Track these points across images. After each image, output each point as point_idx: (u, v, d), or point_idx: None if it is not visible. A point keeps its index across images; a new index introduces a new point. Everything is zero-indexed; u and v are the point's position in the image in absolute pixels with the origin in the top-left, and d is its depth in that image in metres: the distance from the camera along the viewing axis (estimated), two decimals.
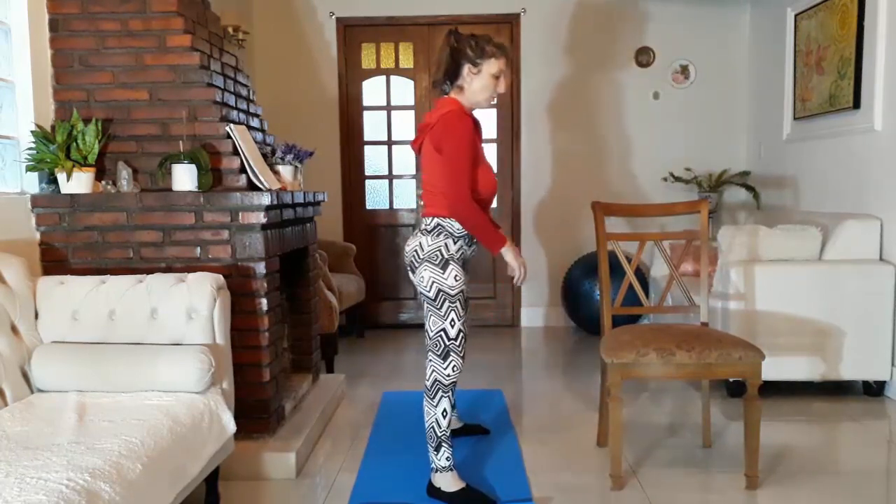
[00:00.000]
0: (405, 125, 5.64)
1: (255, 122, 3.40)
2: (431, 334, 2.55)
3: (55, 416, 2.07)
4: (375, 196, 5.73)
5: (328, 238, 5.44)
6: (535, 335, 5.38)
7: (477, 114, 2.69)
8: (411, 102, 5.63)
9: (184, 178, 2.78)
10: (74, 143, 2.79)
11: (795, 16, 4.67)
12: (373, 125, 5.68)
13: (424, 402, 2.58)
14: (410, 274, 2.59)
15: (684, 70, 5.49)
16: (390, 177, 5.71)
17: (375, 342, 5.23)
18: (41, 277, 2.58)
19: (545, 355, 4.79)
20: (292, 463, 2.77)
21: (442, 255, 2.50)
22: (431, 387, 2.55)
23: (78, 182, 2.78)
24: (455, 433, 3.11)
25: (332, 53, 5.54)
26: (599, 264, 2.91)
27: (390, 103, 5.64)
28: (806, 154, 4.61)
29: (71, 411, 2.09)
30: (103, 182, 2.87)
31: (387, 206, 5.72)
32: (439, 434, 2.54)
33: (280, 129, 5.16)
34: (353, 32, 5.56)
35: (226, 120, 2.98)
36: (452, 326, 2.52)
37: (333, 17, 5.50)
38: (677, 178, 5.42)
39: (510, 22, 5.50)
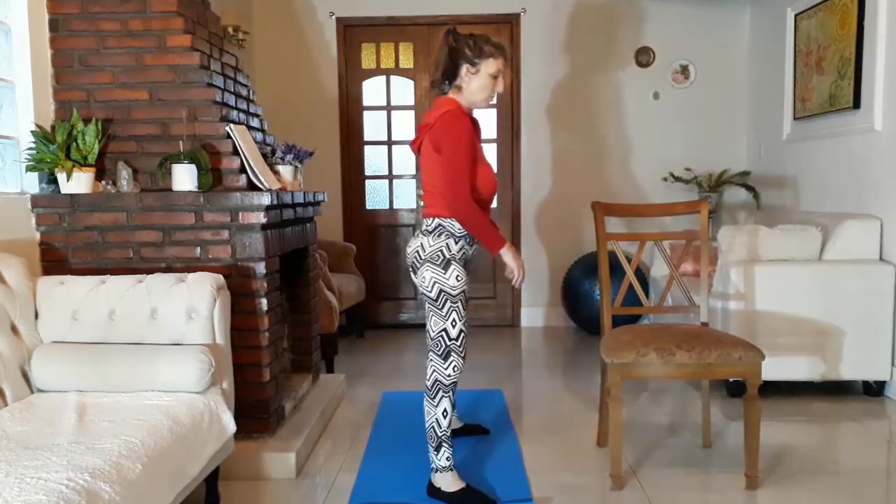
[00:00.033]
0: (405, 125, 5.64)
1: (255, 122, 3.40)
2: (433, 334, 2.55)
3: (55, 416, 2.07)
4: (375, 196, 5.73)
5: (328, 238, 5.44)
6: (535, 335, 5.38)
7: (476, 113, 2.69)
8: (411, 102, 5.63)
9: (184, 178, 2.78)
10: (74, 143, 2.79)
11: (795, 16, 4.67)
12: (373, 125, 5.68)
13: (425, 402, 2.58)
14: (412, 275, 2.59)
15: (684, 70, 5.49)
16: (390, 177, 5.71)
17: (375, 342, 5.23)
18: (41, 277, 2.58)
19: (545, 355, 4.79)
20: (292, 463, 2.77)
21: (443, 255, 2.50)
22: (432, 387, 2.56)
23: (78, 182, 2.78)
24: (455, 433, 3.11)
25: (332, 53, 5.54)
26: (599, 264, 2.91)
27: (390, 103, 5.65)
28: (806, 154, 4.61)
29: (71, 411, 2.09)
30: (103, 182, 2.87)
31: (387, 206, 5.72)
32: (439, 434, 2.54)
33: (280, 129, 5.16)
34: (353, 32, 5.56)
35: (226, 120, 2.98)
36: (454, 326, 2.52)
37: (333, 17, 5.50)
38: (677, 178, 5.42)
39: (510, 22, 5.50)
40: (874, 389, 3.67)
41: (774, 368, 3.50)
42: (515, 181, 5.60)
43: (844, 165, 4.12)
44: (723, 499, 2.55)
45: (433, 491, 2.56)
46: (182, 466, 2.05)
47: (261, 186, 2.89)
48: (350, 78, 5.60)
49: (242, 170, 2.92)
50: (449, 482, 2.54)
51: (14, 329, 2.37)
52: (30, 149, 2.78)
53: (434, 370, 2.55)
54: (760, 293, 3.53)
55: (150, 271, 2.74)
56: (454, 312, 2.51)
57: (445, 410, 2.55)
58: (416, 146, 2.67)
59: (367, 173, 5.70)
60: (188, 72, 2.94)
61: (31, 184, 2.87)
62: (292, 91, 5.54)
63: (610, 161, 5.58)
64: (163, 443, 1.97)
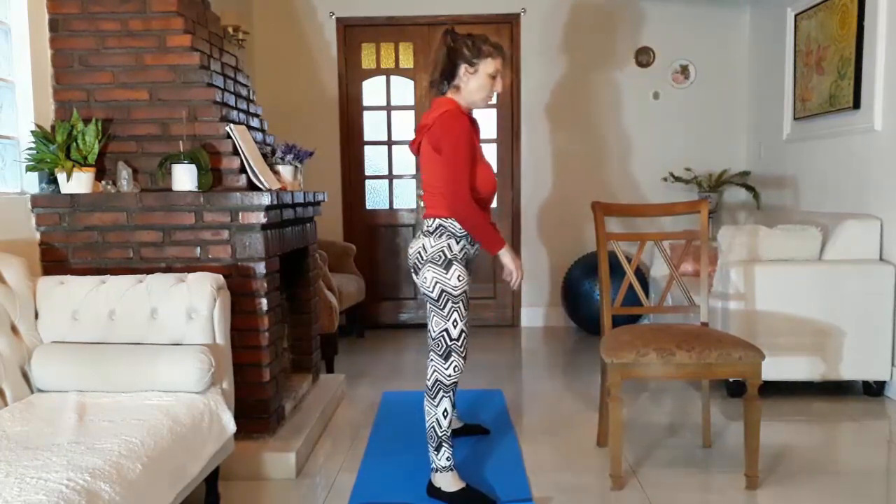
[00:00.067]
0: (405, 125, 5.64)
1: (255, 122, 3.40)
2: (434, 334, 2.55)
3: (55, 416, 2.07)
4: (375, 196, 5.73)
5: (328, 238, 5.44)
6: (535, 335, 5.38)
7: (476, 113, 2.68)
8: (411, 102, 5.63)
9: (184, 178, 2.78)
10: (74, 143, 2.79)
11: (795, 16, 4.67)
12: (373, 125, 5.68)
13: (425, 402, 2.58)
14: (414, 276, 2.59)
15: (684, 70, 5.49)
16: (390, 177, 5.71)
17: (375, 342, 5.23)
18: (41, 277, 2.58)
19: (545, 355, 4.79)
20: (292, 463, 2.77)
21: (445, 255, 2.50)
22: (433, 387, 2.56)
23: (78, 182, 2.78)
24: (455, 433, 3.11)
25: (332, 53, 5.54)
26: (599, 264, 2.91)
27: (390, 103, 5.65)
28: (806, 154, 4.61)
29: (71, 411, 2.09)
30: (103, 182, 2.87)
31: (387, 206, 5.72)
32: (440, 434, 2.54)
33: (280, 129, 5.16)
34: (353, 32, 5.56)
35: (226, 120, 2.98)
36: (455, 327, 2.52)
37: (333, 17, 5.50)
38: (677, 178, 5.42)
39: (510, 22, 5.50)
40: (874, 389, 3.67)
41: (774, 368, 3.50)
42: (515, 181, 5.60)
43: (844, 165, 4.12)
44: (723, 499, 2.55)
45: (433, 491, 2.56)
46: (182, 466, 2.05)
47: (261, 186, 2.89)
48: (350, 78, 5.60)
49: (242, 170, 2.92)
50: (449, 482, 2.54)
51: (14, 329, 2.37)
52: (30, 149, 2.78)
53: (435, 370, 2.55)
54: (760, 293, 3.53)
55: (150, 271, 2.74)
56: (455, 313, 2.51)
57: (446, 410, 2.55)
58: (414, 147, 2.67)
59: (367, 173, 5.70)
60: (188, 72, 2.94)
61: (31, 184, 2.87)
62: (292, 91, 5.54)
63: (610, 161, 5.58)
64: (163, 443, 1.97)
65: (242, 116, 3.24)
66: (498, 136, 5.63)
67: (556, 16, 5.46)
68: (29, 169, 2.79)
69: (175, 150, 2.88)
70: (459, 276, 2.50)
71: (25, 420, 2.03)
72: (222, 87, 3.08)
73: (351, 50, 5.58)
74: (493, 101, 2.68)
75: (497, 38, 5.29)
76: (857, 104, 3.94)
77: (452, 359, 2.54)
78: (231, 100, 3.15)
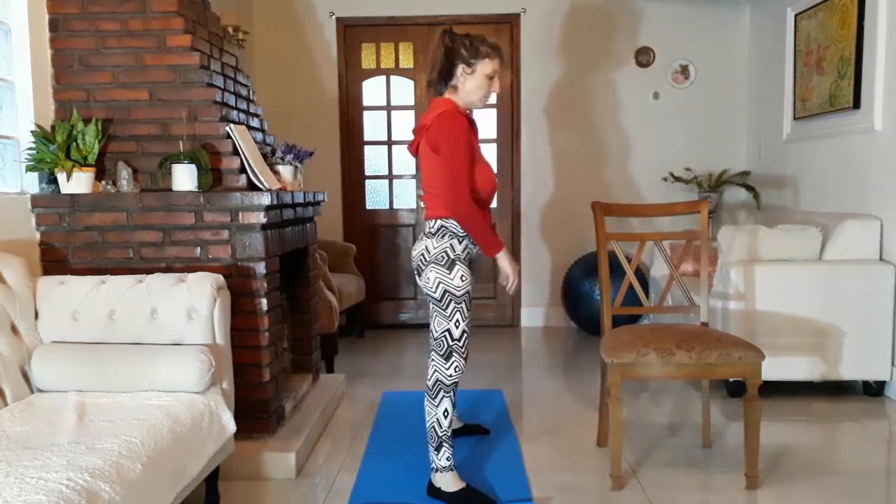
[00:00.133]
0: (405, 125, 5.64)
1: (255, 122, 3.40)
2: (436, 334, 2.55)
3: (55, 416, 2.07)
4: (375, 196, 5.73)
5: (328, 238, 5.44)
6: (535, 335, 5.38)
7: (476, 113, 2.68)
8: (411, 102, 5.63)
9: (184, 178, 2.78)
10: (74, 143, 2.79)
11: (795, 16, 4.67)
12: (373, 125, 5.68)
13: (426, 402, 2.58)
14: (417, 278, 2.59)
15: (684, 70, 5.49)
16: (390, 177, 5.71)
17: (375, 342, 5.23)
18: (41, 277, 2.58)
19: (545, 355, 4.79)
20: (292, 463, 2.77)
21: (448, 255, 2.50)
22: (433, 387, 2.56)
23: (78, 182, 2.78)
24: (455, 433, 3.11)
25: (332, 53, 5.54)
26: (599, 264, 2.91)
27: (390, 103, 5.65)
28: (806, 154, 4.61)
29: (71, 411, 2.09)
30: (103, 182, 2.87)
31: (387, 206, 5.72)
32: (440, 434, 2.54)
33: (280, 129, 5.16)
34: (353, 32, 5.56)
35: (226, 120, 2.98)
36: (457, 327, 2.52)
37: (333, 17, 5.50)
38: (677, 179, 5.42)
39: (510, 22, 5.50)
40: (874, 389, 3.67)
41: (774, 368, 3.50)
42: (515, 181, 5.60)
43: (844, 165, 4.12)
44: (723, 499, 2.55)
45: (433, 491, 2.56)
46: (182, 466, 2.05)
47: (261, 186, 2.89)
48: (350, 78, 5.60)
49: (242, 170, 2.92)
50: (449, 482, 2.54)
51: (14, 329, 2.37)
52: (30, 149, 2.78)
53: (435, 370, 2.55)
54: (760, 293, 3.53)
55: (150, 271, 2.74)
56: (458, 313, 2.51)
57: (446, 410, 2.55)
58: (413, 148, 2.67)
59: (367, 173, 5.70)
60: (188, 72, 2.94)
61: (31, 184, 2.87)
62: (292, 91, 5.54)
63: (610, 161, 5.58)
64: (163, 443, 1.97)
65: (242, 116, 3.24)
66: (498, 136, 5.63)
67: (556, 16, 5.46)
68: (29, 169, 2.79)
69: (175, 150, 2.88)
70: (462, 276, 2.50)
71: (25, 420, 2.03)
72: (222, 87, 3.08)
73: (351, 50, 5.58)
74: (493, 101, 2.68)
75: (497, 38, 5.30)
76: (857, 104, 3.94)
77: (453, 359, 2.54)
78: (231, 100, 3.15)
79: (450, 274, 2.49)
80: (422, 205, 4.93)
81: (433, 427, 2.55)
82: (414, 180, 5.67)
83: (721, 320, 3.60)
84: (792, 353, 3.55)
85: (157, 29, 2.93)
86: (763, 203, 5.18)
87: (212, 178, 2.86)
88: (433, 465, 2.58)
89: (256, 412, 2.84)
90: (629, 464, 2.86)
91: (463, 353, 2.56)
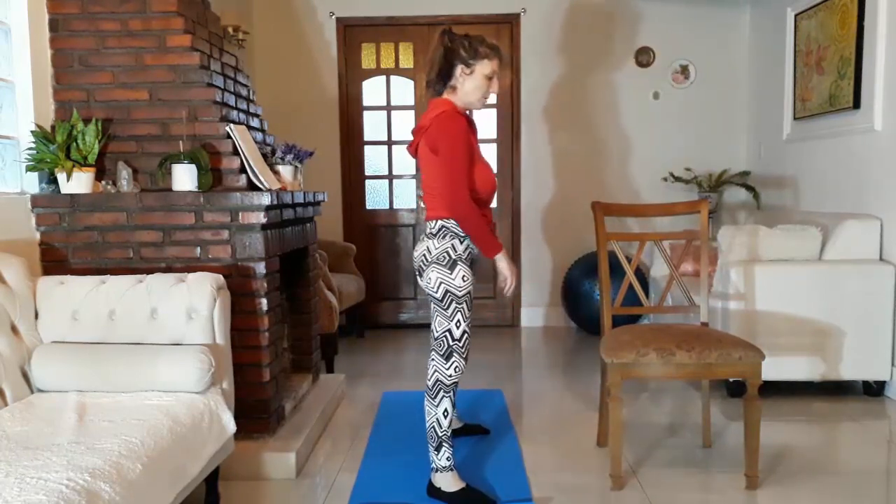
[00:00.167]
0: (405, 125, 5.63)
1: (255, 122, 3.40)
2: (436, 334, 2.55)
3: (55, 416, 2.07)
4: (375, 196, 5.73)
5: (328, 238, 5.44)
6: (535, 335, 5.38)
7: (476, 113, 2.68)
8: (411, 102, 5.63)
9: (184, 178, 2.78)
10: (74, 143, 2.79)
11: (795, 16, 4.67)
12: (373, 125, 5.68)
13: (426, 402, 2.58)
14: (419, 278, 2.59)
15: (684, 70, 5.49)
16: (390, 177, 5.71)
17: (375, 342, 5.23)
18: (41, 277, 2.58)
19: (545, 355, 4.79)
20: (292, 463, 2.77)
21: (449, 256, 2.50)
22: (433, 387, 2.56)
23: (78, 182, 2.78)
24: (455, 433, 3.11)
25: (332, 53, 5.54)
26: (599, 264, 2.91)
27: (390, 103, 5.65)
28: (806, 154, 4.61)
29: (71, 411, 2.09)
30: (103, 182, 2.87)
31: (387, 206, 5.72)
32: (440, 434, 2.54)
33: (280, 129, 5.16)
34: (353, 32, 5.56)
35: (226, 120, 2.98)
36: (458, 327, 2.52)
37: (333, 17, 5.50)
38: (677, 179, 5.42)
39: (510, 22, 5.50)
40: (874, 389, 3.67)
41: (774, 368, 3.50)
42: (515, 181, 5.60)
43: (844, 165, 4.12)
44: (723, 499, 2.55)
45: (433, 491, 2.56)
46: (182, 466, 2.05)
47: (261, 186, 2.89)
48: (350, 78, 5.60)
49: (242, 170, 2.92)
50: (449, 482, 2.54)
51: (14, 329, 2.37)
52: (30, 149, 2.78)
53: (436, 370, 2.55)
54: (760, 293, 3.53)
55: (150, 271, 2.74)
56: (459, 313, 2.51)
57: (446, 410, 2.55)
58: (412, 149, 2.66)
59: (367, 173, 5.70)
60: (188, 72, 2.94)
61: (31, 184, 2.87)
62: (292, 91, 5.54)
63: (610, 161, 5.58)
64: (163, 443, 1.97)
65: (242, 116, 3.24)
66: (498, 136, 5.62)
67: (556, 16, 5.46)
68: (29, 169, 2.79)
69: (175, 150, 2.88)
70: (464, 276, 2.50)
71: (25, 420, 2.03)
72: (222, 87, 3.08)
73: (351, 50, 5.58)
74: (493, 101, 2.68)
75: (497, 38, 5.30)
76: (857, 104, 3.94)
77: (453, 359, 2.54)
78: (231, 100, 3.15)
79: (451, 274, 2.49)
80: (422, 205, 4.91)
81: (433, 427, 2.55)
82: (414, 180, 5.67)
83: (721, 320, 3.60)
84: (792, 353, 3.55)
85: (157, 29, 2.93)
86: (763, 203, 5.18)
87: (212, 178, 2.86)
88: (433, 465, 2.58)
89: (256, 412, 2.85)
90: (629, 464, 2.86)
91: (463, 353, 2.56)
